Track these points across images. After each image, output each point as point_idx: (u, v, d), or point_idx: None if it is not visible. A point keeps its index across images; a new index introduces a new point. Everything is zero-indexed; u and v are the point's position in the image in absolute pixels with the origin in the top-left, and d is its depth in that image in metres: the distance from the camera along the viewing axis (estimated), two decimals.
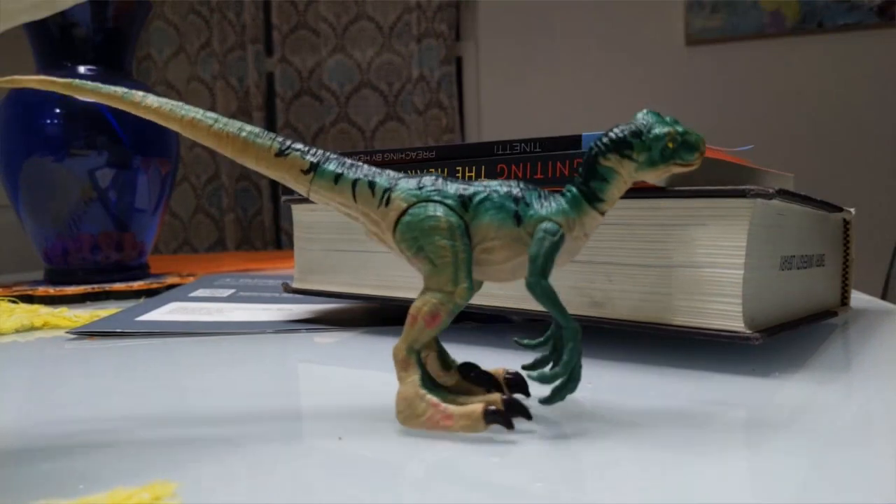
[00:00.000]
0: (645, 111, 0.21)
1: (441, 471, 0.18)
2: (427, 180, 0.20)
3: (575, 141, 0.31)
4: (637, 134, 0.20)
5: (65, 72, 0.59)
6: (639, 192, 0.28)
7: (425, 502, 0.16)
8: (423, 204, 0.20)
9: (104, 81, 0.66)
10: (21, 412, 0.25)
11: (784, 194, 0.27)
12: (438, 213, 0.19)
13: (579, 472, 0.18)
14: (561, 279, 0.30)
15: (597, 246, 0.29)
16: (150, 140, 0.61)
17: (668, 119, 0.21)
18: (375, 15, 2.05)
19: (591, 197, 0.20)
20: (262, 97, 2.10)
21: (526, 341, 0.22)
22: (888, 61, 1.78)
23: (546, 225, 0.20)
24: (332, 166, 0.20)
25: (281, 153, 0.20)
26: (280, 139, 0.20)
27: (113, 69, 0.61)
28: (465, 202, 0.20)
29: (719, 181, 0.32)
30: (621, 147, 0.20)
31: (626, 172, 0.20)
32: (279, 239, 2.16)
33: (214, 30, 2.11)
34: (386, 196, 0.20)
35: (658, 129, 0.20)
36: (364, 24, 2.06)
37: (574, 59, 1.99)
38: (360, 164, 0.21)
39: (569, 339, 0.20)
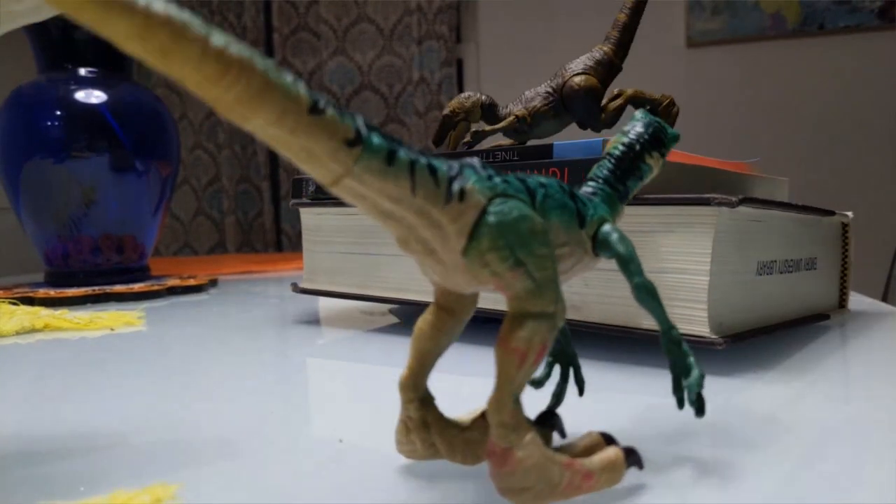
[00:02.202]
0: (642, 111, 0.20)
1: (443, 469, 0.18)
2: (478, 165, 0.15)
3: (546, 150, 0.31)
4: (664, 131, 0.20)
5: (66, 74, 0.59)
6: None
7: (426, 502, 0.16)
8: (502, 199, 0.14)
9: (105, 83, 0.65)
10: (21, 414, 0.25)
11: (750, 202, 0.27)
12: (529, 212, 0.14)
13: None
14: None
15: None
16: (151, 142, 0.62)
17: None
18: (376, 17, 2.05)
19: (623, 196, 0.19)
20: None
21: (536, 380, 0.20)
22: (889, 63, 1.78)
23: (610, 226, 0.17)
24: (379, 140, 0.13)
25: (315, 109, 0.12)
26: (308, 89, 0.12)
27: (113, 71, 0.61)
28: (532, 198, 0.15)
29: (711, 188, 0.33)
30: (659, 144, 0.20)
31: (657, 170, 0.20)
32: (280, 241, 2.17)
33: None
34: (457, 188, 0.14)
35: (671, 130, 0.20)
36: (364, 26, 2.06)
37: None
38: (401, 140, 0.14)
39: (680, 340, 0.17)
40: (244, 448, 0.20)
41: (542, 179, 0.16)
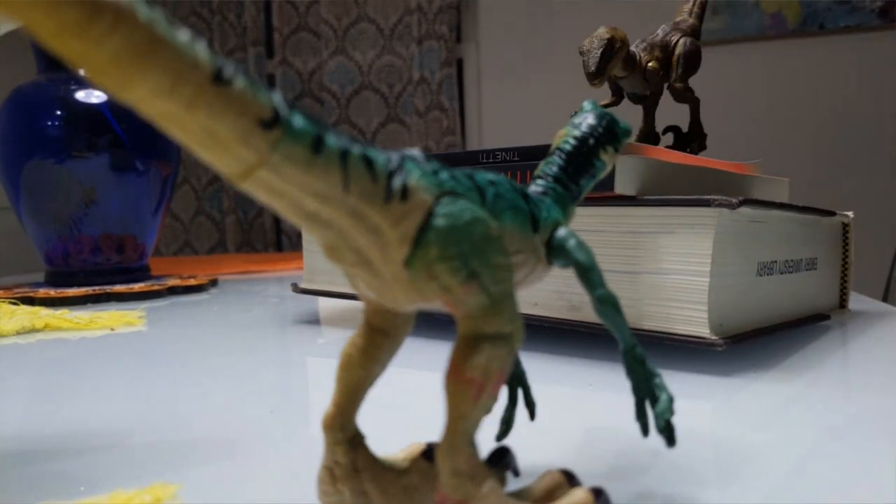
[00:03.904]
0: (591, 101, 0.18)
1: None
2: (420, 157, 0.12)
3: (548, 150, 0.31)
4: (617, 123, 0.18)
5: (66, 74, 0.59)
6: (611, 200, 0.29)
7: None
8: (450, 198, 0.12)
9: None
10: (22, 414, 0.25)
11: (751, 203, 0.27)
12: (482, 214, 0.12)
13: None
14: (542, 284, 0.31)
15: None
16: (151, 142, 0.62)
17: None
18: (376, 17, 2.05)
19: (575, 196, 0.17)
20: None
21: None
22: (889, 63, 1.78)
23: (567, 231, 0.15)
24: (302, 122, 0.11)
25: (220, 78, 0.09)
26: (211, 53, 0.10)
27: None
28: (482, 197, 0.13)
29: (713, 189, 0.33)
30: (613, 138, 0.17)
31: (610, 167, 0.18)
32: (280, 241, 2.17)
33: (215, 31, 2.11)
34: (399, 185, 0.11)
35: (622, 123, 0.18)
36: (365, 25, 2.06)
37: (575, 60, 1.98)
38: (329, 124, 0.12)
39: (644, 359, 0.15)
40: (244, 448, 0.20)
41: (491, 176, 0.14)
